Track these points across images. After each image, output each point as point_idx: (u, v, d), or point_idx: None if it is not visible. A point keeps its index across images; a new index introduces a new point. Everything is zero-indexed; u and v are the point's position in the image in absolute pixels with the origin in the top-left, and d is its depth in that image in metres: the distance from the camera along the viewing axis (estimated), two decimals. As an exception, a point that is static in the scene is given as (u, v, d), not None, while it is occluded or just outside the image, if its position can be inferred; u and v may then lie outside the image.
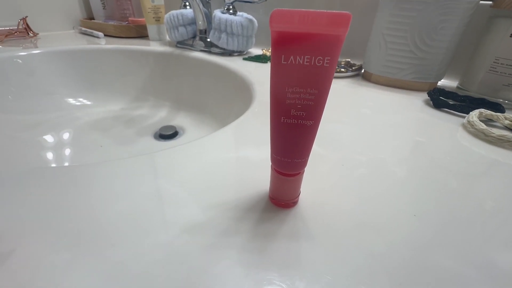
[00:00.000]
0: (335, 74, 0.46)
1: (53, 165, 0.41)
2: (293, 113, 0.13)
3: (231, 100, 0.48)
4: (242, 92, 0.43)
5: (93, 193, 0.17)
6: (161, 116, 0.56)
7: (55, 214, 0.16)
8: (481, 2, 0.38)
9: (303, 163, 0.15)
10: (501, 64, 0.34)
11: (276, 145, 0.15)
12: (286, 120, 0.13)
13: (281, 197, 0.17)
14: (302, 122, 0.13)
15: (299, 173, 0.16)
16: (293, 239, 0.15)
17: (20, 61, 0.51)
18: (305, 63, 0.12)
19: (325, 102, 0.13)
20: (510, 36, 0.33)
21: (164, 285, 0.12)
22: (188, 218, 0.16)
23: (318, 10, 0.11)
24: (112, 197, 0.17)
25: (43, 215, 0.15)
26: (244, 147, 0.24)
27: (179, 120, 0.55)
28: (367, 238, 0.15)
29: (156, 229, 0.15)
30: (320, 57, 0.11)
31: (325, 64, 0.12)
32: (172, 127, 0.51)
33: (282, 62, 0.12)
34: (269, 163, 0.16)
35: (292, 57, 0.12)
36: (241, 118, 0.30)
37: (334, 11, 0.11)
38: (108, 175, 0.19)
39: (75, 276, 0.12)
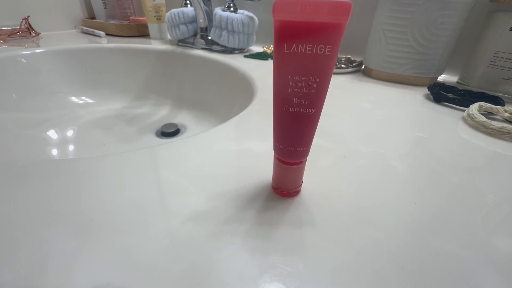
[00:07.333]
0: (336, 70, 0.46)
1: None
2: (295, 101, 0.13)
3: (232, 97, 0.48)
4: (244, 89, 0.43)
5: (100, 184, 0.18)
6: (163, 114, 0.57)
7: (63, 204, 0.16)
8: (480, -4, 0.38)
9: (305, 152, 0.15)
10: (500, 58, 0.35)
11: (279, 134, 0.15)
12: (289, 109, 0.14)
13: (284, 186, 0.17)
14: (304, 110, 0.13)
15: (302, 161, 0.16)
16: (296, 226, 0.15)
17: (24, 60, 0.51)
18: (307, 51, 0.12)
19: (327, 90, 0.13)
20: (510, 30, 0.33)
21: (170, 270, 0.13)
22: (193, 207, 0.16)
23: (320, 0, 0.11)
24: (119, 188, 0.17)
25: (51, 204, 0.16)
26: (247, 140, 0.24)
27: (181, 118, 0.55)
28: (369, 225, 0.16)
29: (162, 217, 0.15)
30: (321, 45, 0.12)
31: (326, 52, 0.12)
32: (174, 124, 0.51)
33: (285, 50, 0.12)
34: (271, 154, 0.17)
35: (294, 45, 0.12)
36: (243, 113, 0.30)
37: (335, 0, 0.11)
38: (114, 167, 0.20)
39: (84, 261, 0.13)
